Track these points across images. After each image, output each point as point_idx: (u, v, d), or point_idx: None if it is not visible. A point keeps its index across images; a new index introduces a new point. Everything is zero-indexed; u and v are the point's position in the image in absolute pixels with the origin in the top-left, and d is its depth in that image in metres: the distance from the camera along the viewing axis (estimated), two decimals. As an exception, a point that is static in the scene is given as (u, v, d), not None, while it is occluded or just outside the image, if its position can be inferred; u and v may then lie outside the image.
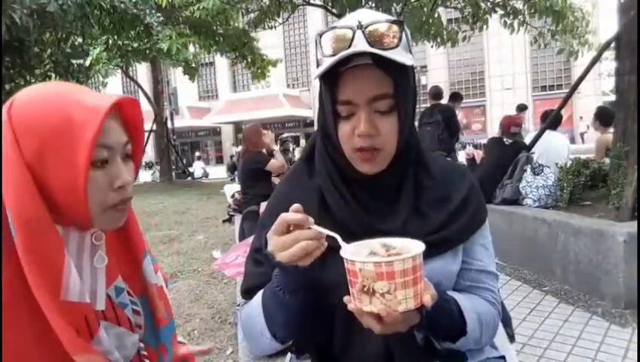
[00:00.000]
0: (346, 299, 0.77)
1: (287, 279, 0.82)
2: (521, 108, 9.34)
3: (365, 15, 0.86)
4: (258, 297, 0.92)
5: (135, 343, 0.85)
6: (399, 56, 0.83)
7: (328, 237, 0.79)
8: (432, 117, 6.44)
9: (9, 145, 0.69)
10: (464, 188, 0.97)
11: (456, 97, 7.38)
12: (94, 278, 0.78)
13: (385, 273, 0.70)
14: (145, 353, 0.88)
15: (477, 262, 0.98)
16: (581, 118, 26.18)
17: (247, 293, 0.99)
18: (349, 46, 0.82)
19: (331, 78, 0.87)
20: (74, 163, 0.68)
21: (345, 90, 0.86)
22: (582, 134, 25.18)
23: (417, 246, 0.75)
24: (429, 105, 6.91)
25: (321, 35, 0.86)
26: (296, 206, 0.79)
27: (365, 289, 0.72)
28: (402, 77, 0.87)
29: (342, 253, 0.75)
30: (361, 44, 0.82)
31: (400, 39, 0.84)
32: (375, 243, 0.79)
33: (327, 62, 0.83)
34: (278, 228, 0.79)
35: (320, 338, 0.96)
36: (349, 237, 0.79)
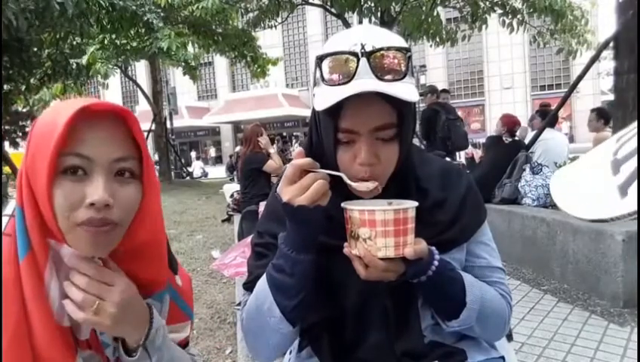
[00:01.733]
0: (345, 244, 0.83)
1: (303, 230, 0.82)
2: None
3: (369, 36, 0.82)
4: (263, 278, 0.90)
5: None
6: (405, 87, 0.80)
7: (333, 215, 0.84)
8: None
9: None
10: (461, 190, 0.97)
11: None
12: None
13: (367, 220, 0.78)
14: None
15: (480, 260, 0.99)
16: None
17: (252, 284, 0.97)
18: (353, 74, 0.79)
19: (334, 106, 0.82)
20: (44, 169, 0.65)
21: (346, 119, 0.83)
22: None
23: (408, 203, 0.81)
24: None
25: (321, 59, 0.83)
26: (299, 150, 0.84)
27: (352, 234, 0.81)
28: (405, 106, 0.84)
29: (343, 203, 0.82)
30: (365, 73, 0.79)
31: (407, 68, 0.81)
32: (382, 201, 0.87)
33: (329, 93, 0.80)
34: (292, 177, 0.81)
35: (329, 327, 0.95)
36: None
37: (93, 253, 0.70)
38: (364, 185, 0.84)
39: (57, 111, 0.68)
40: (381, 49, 0.80)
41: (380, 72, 0.79)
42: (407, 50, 0.82)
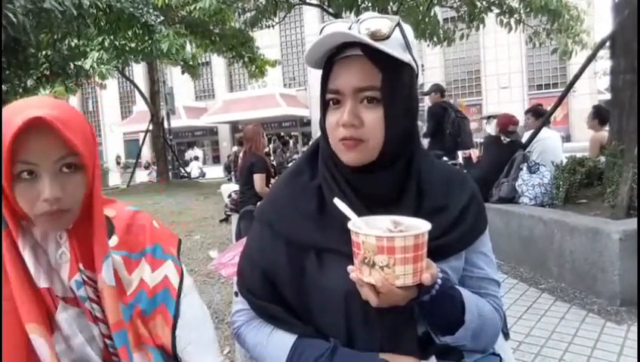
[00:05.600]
0: (349, 268, 0.79)
1: None
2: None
3: (367, 14, 0.87)
4: (275, 345, 0.95)
5: (99, 336, 0.88)
6: (388, 48, 0.82)
7: (331, 229, 0.85)
8: None
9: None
10: (464, 198, 0.95)
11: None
12: (60, 269, 0.87)
13: (385, 247, 0.72)
14: (112, 350, 0.89)
15: (477, 271, 0.97)
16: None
17: (245, 295, 0.99)
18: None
19: (326, 68, 0.90)
20: (3, 174, 0.78)
21: (335, 79, 0.88)
22: None
23: (423, 226, 0.77)
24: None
25: (323, 28, 0.90)
26: None
27: (366, 261, 0.74)
28: (392, 71, 0.85)
29: (349, 224, 0.78)
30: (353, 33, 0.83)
31: (391, 33, 0.84)
32: (386, 219, 0.82)
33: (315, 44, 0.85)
34: None
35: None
36: (347, 239, 0.79)
37: (55, 231, 0.87)
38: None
39: (7, 119, 0.78)
40: (373, 17, 0.85)
41: (366, 32, 0.83)
42: (398, 20, 0.86)
